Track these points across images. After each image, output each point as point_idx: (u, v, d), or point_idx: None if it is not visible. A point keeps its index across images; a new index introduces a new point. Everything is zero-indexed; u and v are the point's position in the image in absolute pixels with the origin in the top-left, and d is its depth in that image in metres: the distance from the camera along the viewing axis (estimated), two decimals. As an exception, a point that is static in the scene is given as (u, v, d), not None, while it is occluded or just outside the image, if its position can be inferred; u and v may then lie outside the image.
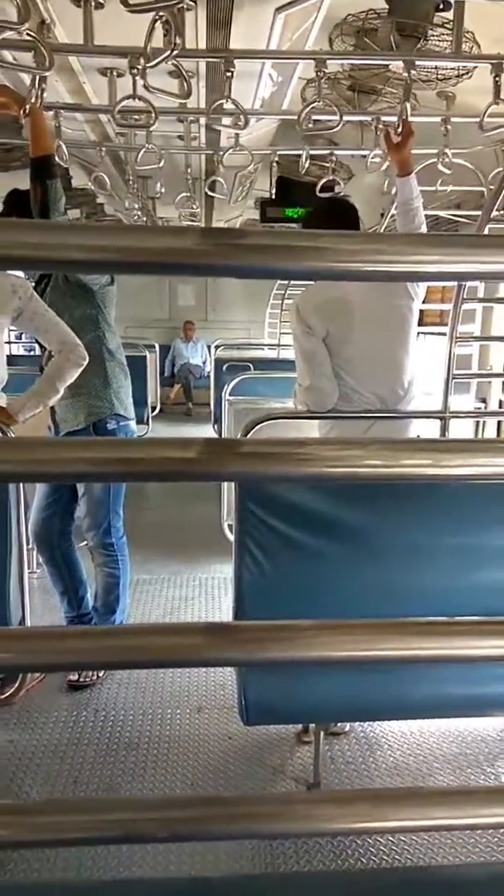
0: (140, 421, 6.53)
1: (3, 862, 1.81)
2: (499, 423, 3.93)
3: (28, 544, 3.01)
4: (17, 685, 2.62)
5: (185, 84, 1.93)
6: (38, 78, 2.05)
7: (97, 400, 2.72)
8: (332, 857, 1.88)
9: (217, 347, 7.42)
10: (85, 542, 2.95)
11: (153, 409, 7.55)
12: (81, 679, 2.75)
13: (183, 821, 0.57)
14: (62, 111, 2.71)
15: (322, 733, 2.27)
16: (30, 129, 2.27)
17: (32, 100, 2.14)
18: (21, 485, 2.31)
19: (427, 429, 2.61)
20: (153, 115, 2.15)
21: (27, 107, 2.15)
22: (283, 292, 7.17)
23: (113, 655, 0.63)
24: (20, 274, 2.82)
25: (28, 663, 0.69)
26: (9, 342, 6.94)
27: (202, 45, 2.42)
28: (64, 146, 2.77)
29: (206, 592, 3.72)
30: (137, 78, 1.89)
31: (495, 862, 1.84)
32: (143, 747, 2.40)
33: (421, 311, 2.77)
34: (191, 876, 1.68)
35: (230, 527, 3.18)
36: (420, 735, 2.50)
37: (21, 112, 2.18)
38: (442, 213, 4.10)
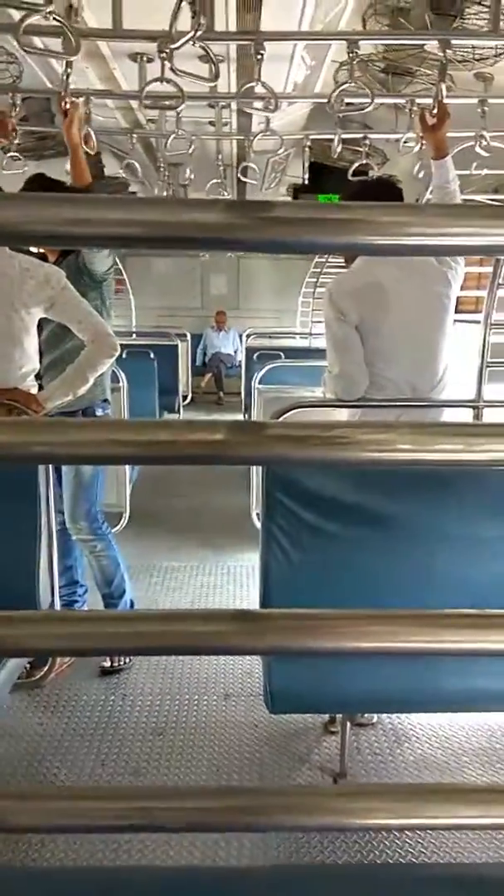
0: (171, 410, 6.60)
1: (16, 845, 1.83)
2: (534, 413, 3.83)
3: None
4: (46, 668, 2.67)
5: (213, 67, 1.90)
6: (66, 64, 2.04)
7: (92, 385, 2.73)
8: (358, 850, 1.87)
9: (248, 336, 7.41)
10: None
11: (184, 398, 7.57)
12: (113, 664, 2.78)
13: (207, 811, 0.56)
14: (92, 98, 2.70)
15: (349, 724, 2.26)
16: (71, 160, 2.47)
17: (63, 94, 2.22)
18: (51, 470, 2.33)
19: (459, 418, 2.57)
20: (182, 98, 2.13)
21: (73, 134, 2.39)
22: (315, 280, 7.11)
23: (139, 641, 0.63)
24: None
25: (55, 647, 0.68)
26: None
27: (232, 27, 2.39)
28: (93, 134, 2.76)
29: (235, 580, 3.73)
30: (166, 61, 1.87)
31: None
32: (170, 733, 2.42)
33: (457, 299, 2.71)
34: (212, 865, 1.68)
35: (258, 515, 3.19)
36: (449, 728, 2.47)
37: (60, 104, 2.30)
38: (479, 198, 4.01)
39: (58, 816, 0.55)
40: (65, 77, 2.13)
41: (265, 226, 0.52)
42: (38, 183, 2.60)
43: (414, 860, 1.83)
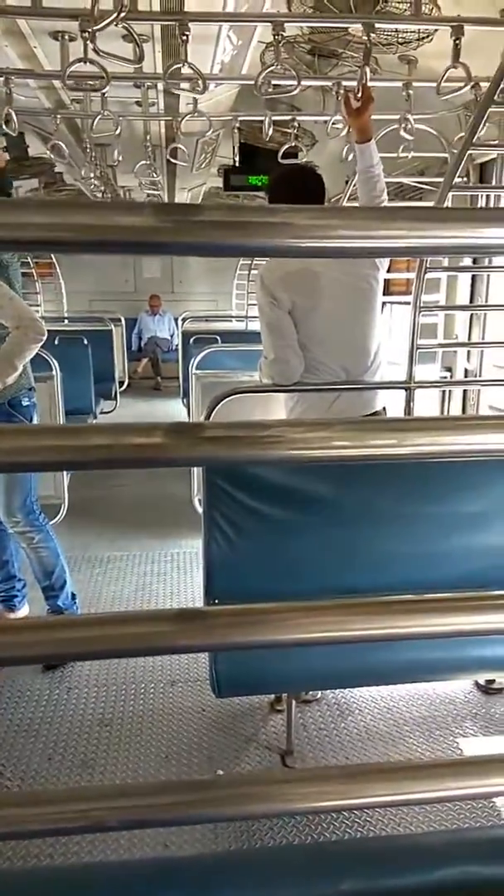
0: (107, 397, 6.50)
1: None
2: (464, 392, 3.96)
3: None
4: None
5: (137, 49, 1.86)
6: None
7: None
8: (307, 830, 1.92)
9: (184, 320, 7.35)
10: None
11: (121, 384, 7.46)
12: (55, 658, 2.75)
13: (155, 807, 0.57)
14: (13, 77, 2.60)
15: (294, 701, 2.31)
16: None
17: None
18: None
19: (393, 399, 2.63)
20: (106, 79, 2.07)
21: None
22: (249, 262, 7.10)
23: (81, 646, 0.63)
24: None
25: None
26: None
27: (156, 7, 2.33)
28: (14, 114, 2.67)
29: (179, 567, 3.73)
30: (88, 42, 1.81)
31: (457, 829, 1.90)
32: (117, 723, 2.42)
33: (387, 281, 2.77)
34: (165, 855, 1.70)
35: (200, 501, 3.20)
36: (390, 699, 2.56)
37: None
38: (405, 180, 4.07)
39: (4, 824, 0.55)
40: None
41: (193, 229, 0.52)
42: None
43: (361, 833, 1.90)
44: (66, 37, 2.45)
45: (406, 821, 1.96)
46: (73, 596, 2.99)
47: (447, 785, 0.66)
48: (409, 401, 2.59)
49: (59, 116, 3.19)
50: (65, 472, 3.98)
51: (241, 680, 1.89)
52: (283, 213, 0.52)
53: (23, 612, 3.09)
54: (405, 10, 2.55)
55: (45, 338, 2.47)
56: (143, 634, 0.61)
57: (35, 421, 2.91)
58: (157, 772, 2.19)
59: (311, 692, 2.53)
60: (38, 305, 6.95)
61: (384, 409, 2.51)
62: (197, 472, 3.78)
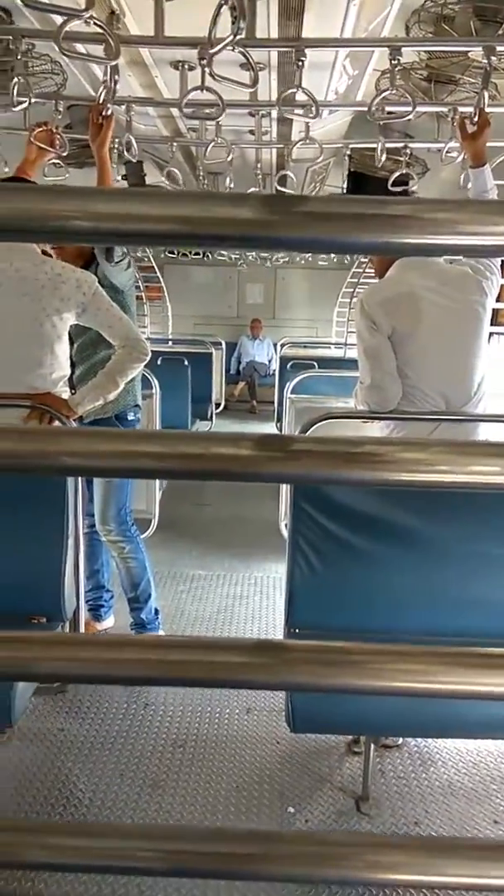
0: (203, 417, 6.61)
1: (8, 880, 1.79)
2: None
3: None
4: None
5: (253, 73, 1.88)
6: (109, 69, 2.04)
7: (123, 392, 2.69)
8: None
9: (283, 345, 7.38)
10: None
11: (217, 405, 7.58)
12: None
13: (210, 856, 0.52)
14: (134, 105, 2.71)
15: (373, 745, 2.20)
16: (101, 174, 2.46)
17: (103, 94, 2.17)
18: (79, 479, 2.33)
19: (497, 433, 2.49)
20: (222, 108, 2.11)
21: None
22: (351, 290, 7.06)
23: (156, 670, 0.60)
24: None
25: (66, 673, 0.65)
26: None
27: (274, 35, 2.37)
28: (134, 141, 2.77)
29: (262, 591, 3.69)
30: (205, 68, 1.85)
31: None
32: (191, 745, 2.38)
33: (494, 311, 2.65)
34: None
35: (287, 526, 3.15)
36: (476, 753, 2.39)
37: (97, 113, 2.34)
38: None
39: (69, 854, 0.52)
40: (112, 84, 2.09)
41: (303, 222, 0.49)
42: None
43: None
44: (186, 66, 2.53)
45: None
46: (157, 611, 3.01)
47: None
48: (514, 436, 2.45)
49: (175, 144, 3.29)
50: (157, 487, 4.04)
51: (317, 717, 1.81)
52: (404, 206, 0.48)
53: (108, 622, 3.13)
54: (530, 33, 2.47)
55: (147, 358, 2.52)
56: (218, 664, 0.57)
57: None
58: (226, 801, 2.13)
59: (391, 737, 2.41)
60: (144, 327, 7.20)
61: (487, 441, 2.38)
62: (284, 494, 3.74)
